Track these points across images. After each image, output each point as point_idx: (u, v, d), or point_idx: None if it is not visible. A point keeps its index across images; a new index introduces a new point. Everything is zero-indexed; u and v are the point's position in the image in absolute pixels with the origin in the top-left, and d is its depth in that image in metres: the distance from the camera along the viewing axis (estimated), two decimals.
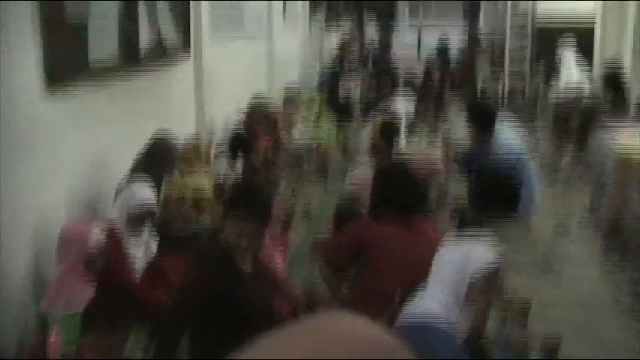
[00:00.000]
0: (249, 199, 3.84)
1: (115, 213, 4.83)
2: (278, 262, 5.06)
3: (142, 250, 4.88)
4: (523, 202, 6.97)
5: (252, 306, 3.73)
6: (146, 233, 4.95)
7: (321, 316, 1.09)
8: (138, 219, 4.78)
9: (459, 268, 3.40)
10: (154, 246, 5.01)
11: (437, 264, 3.55)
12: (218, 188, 6.84)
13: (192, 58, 7.89)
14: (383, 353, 1.01)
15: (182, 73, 7.60)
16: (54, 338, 3.49)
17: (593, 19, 13.43)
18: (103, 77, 5.47)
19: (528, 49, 15.56)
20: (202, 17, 8.16)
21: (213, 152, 6.96)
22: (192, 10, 7.88)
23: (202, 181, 6.23)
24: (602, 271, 5.87)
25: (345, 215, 5.38)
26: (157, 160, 5.59)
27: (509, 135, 7.12)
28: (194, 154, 6.45)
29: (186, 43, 7.67)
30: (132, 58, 6.07)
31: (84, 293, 3.91)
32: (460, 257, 3.43)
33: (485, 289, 3.45)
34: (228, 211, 3.87)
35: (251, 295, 3.75)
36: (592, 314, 5.20)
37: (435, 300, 3.40)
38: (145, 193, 4.87)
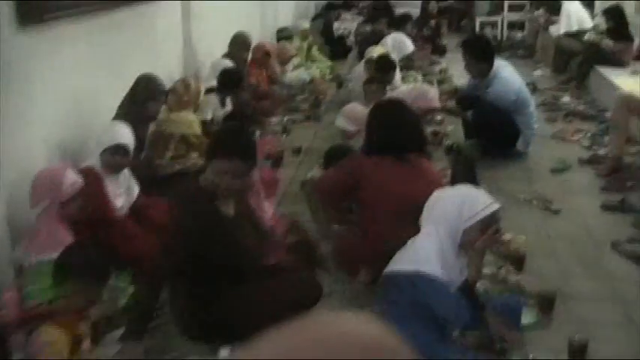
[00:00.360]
0: (232, 137, 3.63)
1: (92, 155, 4.63)
2: (267, 203, 4.90)
3: (122, 192, 4.73)
4: (522, 138, 6.88)
5: (235, 253, 3.56)
6: (126, 175, 4.78)
7: (322, 316, 1.01)
8: (114, 158, 4.59)
9: (455, 211, 3.33)
10: (135, 189, 4.85)
11: (432, 205, 3.47)
12: (208, 124, 6.70)
13: None
14: (385, 353, 0.98)
15: (168, 7, 7.25)
16: (10, 294, 3.20)
17: None
18: (81, 12, 5.14)
19: None
20: None
21: (202, 87, 6.70)
22: None
23: (191, 117, 6.07)
24: (601, 207, 5.70)
25: (337, 152, 5.22)
26: (143, 99, 5.33)
27: (508, 70, 7.02)
28: (183, 90, 6.23)
29: None
30: None
31: (58, 240, 3.77)
32: (456, 200, 3.35)
33: (481, 234, 3.34)
34: (212, 149, 3.64)
35: (232, 241, 3.57)
36: (594, 246, 5.09)
37: (429, 240, 3.30)
38: (120, 131, 4.67)
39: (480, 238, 3.37)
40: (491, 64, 6.88)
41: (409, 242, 3.46)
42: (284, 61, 9.85)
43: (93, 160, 4.59)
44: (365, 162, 4.42)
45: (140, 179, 5.05)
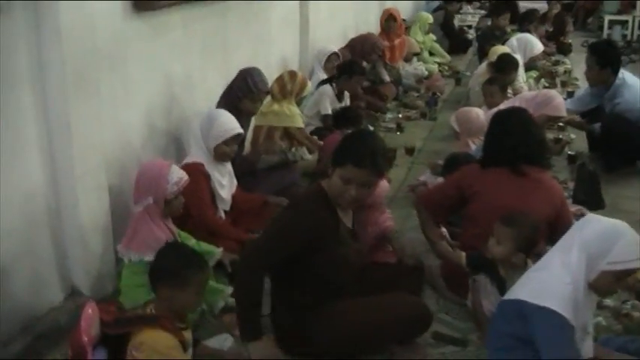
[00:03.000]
0: (364, 145, 3.33)
1: (199, 143, 4.52)
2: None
3: (227, 183, 4.67)
4: None
5: (347, 268, 3.37)
6: (228, 166, 4.72)
7: None
8: (231, 148, 4.57)
9: (604, 247, 2.96)
10: (234, 179, 4.79)
11: (580, 227, 3.09)
12: (326, 118, 6.55)
13: None
14: None
15: None
16: (87, 317, 3.02)
17: None
18: None
19: None
20: None
21: (309, 80, 6.52)
22: None
23: (293, 109, 5.94)
24: None
25: (457, 161, 4.96)
26: (239, 96, 5.17)
27: (633, 78, 6.63)
28: (288, 79, 6.09)
29: None
30: None
31: (158, 239, 3.72)
32: (610, 235, 2.97)
33: (616, 281, 3.00)
34: (342, 154, 3.34)
35: (346, 255, 3.37)
36: None
37: (565, 272, 2.96)
38: (233, 120, 4.59)
39: (616, 285, 3.04)
40: (616, 74, 6.50)
41: (539, 265, 3.14)
42: (407, 57, 9.60)
43: (198, 145, 4.51)
44: (478, 174, 4.17)
45: (242, 172, 5.00)
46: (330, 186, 3.33)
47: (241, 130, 4.62)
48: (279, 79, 6.10)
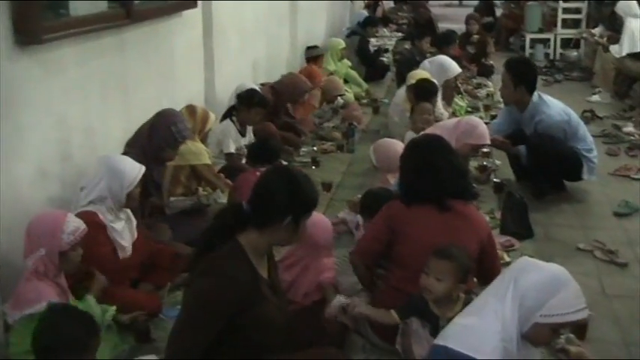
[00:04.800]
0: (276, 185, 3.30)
1: (98, 193, 4.42)
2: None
3: (126, 226, 4.60)
4: (586, 164, 6.70)
5: (270, 325, 3.29)
6: (127, 213, 4.65)
7: None
8: (136, 193, 4.55)
9: (541, 296, 2.97)
10: (134, 220, 4.71)
11: (518, 271, 3.09)
12: (230, 157, 6.50)
13: (199, 6, 7.33)
14: None
15: (187, 24, 7.05)
16: None
17: None
18: (87, 30, 4.97)
19: None
20: None
21: (213, 116, 6.47)
22: None
23: (199, 145, 5.88)
24: None
25: (375, 198, 4.96)
26: (161, 145, 5.18)
27: (549, 97, 6.85)
28: (188, 116, 5.96)
29: None
30: (123, 6, 5.56)
31: (46, 295, 3.66)
32: (549, 284, 2.98)
33: (552, 333, 3.03)
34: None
35: (270, 312, 3.30)
36: None
37: (496, 321, 2.97)
38: (131, 162, 4.57)
39: (551, 336, 3.07)
40: (531, 93, 6.67)
41: (471, 309, 3.15)
42: (330, 99, 9.56)
43: (97, 194, 4.41)
44: (403, 213, 4.15)
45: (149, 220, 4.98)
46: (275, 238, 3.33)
47: (144, 168, 4.58)
48: None
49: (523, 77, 6.65)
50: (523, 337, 3.00)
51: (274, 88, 8.19)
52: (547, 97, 6.74)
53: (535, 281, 2.99)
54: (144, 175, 4.58)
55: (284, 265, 4.39)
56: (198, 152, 5.79)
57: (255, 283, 3.25)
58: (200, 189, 5.80)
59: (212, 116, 6.26)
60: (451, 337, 3.04)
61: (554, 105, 6.66)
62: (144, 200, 5.03)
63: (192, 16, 7.09)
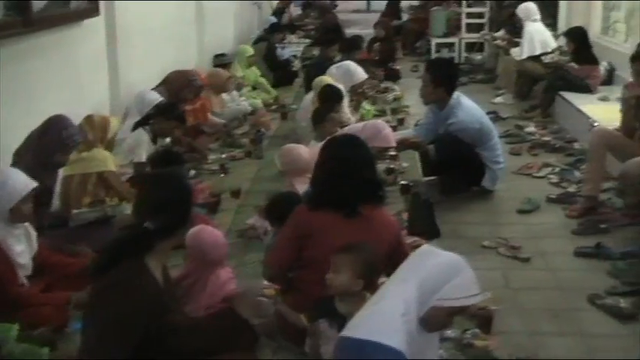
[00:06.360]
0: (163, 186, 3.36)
1: None
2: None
3: (24, 247, 4.43)
4: (489, 174, 6.81)
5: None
6: (25, 226, 4.49)
7: None
8: (28, 207, 4.36)
9: (438, 281, 3.04)
10: (33, 233, 4.55)
11: (420, 258, 3.19)
12: (139, 166, 6.42)
13: (102, 13, 7.25)
14: None
15: (89, 32, 6.97)
16: None
17: None
18: None
19: None
20: None
21: (122, 123, 6.39)
22: None
23: (105, 153, 5.79)
24: (575, 253, 5.57)
25: (280, 203, 4.98)
26: (51, 148, 5.10)
27: (466, 98, 6.93)
28: (88, 127, 5.86)
29: None
30: (23, 14, 5.47)
31: None
32: (446, 271, 3.07)
33: (447, 317, 3.11)
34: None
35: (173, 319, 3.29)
36: (568, 299, 4.92)
37: (399, 303, 3.02)
38: (19, 175, 4.39)
39: (446, 321, 3.15)
40: (450, 94, 6.74)
41: (375, 297, 3.20)
42: (219, 89, 9.48)
43: None
44: (309, 218, 4.16)
45: (51, 231, 4.86)
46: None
47: (35, 184, 4.41)
48: (81, 131, 5.78)
49: (442, 78, 6.74)
50: (419, 322, 3.06)
51: (166, 86, 8.14)
52: (465, 101, 6.82)
53: (433, 266, 3.08)
54: (37, 186, 4.44)
55: (182, 284, 4.32)
56: (104, 159, 5.70)
57: (159, 295, 3.24)
58: (107, 199, 5.70)
59: (113, 121, 6.16)
60: (353, 327, 3.09)
61: (470, 110, 6.75)
62: (41, 211, 4.88)
63: (95, 23, 7.02)
